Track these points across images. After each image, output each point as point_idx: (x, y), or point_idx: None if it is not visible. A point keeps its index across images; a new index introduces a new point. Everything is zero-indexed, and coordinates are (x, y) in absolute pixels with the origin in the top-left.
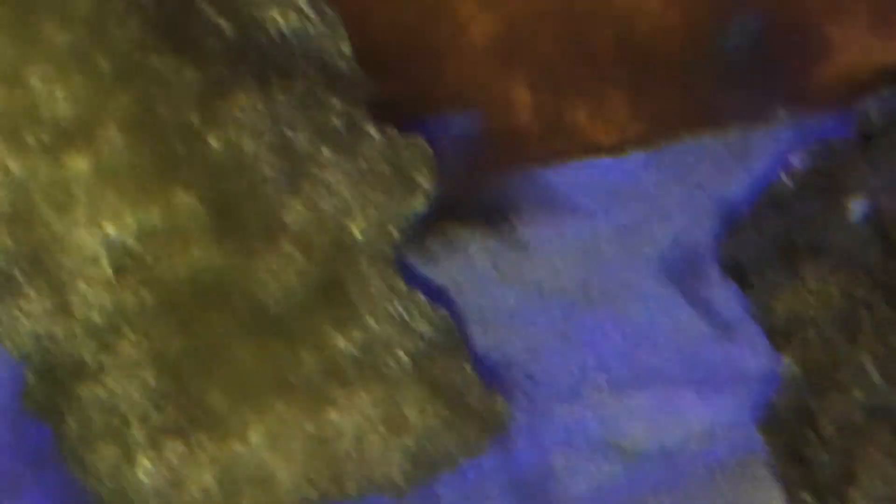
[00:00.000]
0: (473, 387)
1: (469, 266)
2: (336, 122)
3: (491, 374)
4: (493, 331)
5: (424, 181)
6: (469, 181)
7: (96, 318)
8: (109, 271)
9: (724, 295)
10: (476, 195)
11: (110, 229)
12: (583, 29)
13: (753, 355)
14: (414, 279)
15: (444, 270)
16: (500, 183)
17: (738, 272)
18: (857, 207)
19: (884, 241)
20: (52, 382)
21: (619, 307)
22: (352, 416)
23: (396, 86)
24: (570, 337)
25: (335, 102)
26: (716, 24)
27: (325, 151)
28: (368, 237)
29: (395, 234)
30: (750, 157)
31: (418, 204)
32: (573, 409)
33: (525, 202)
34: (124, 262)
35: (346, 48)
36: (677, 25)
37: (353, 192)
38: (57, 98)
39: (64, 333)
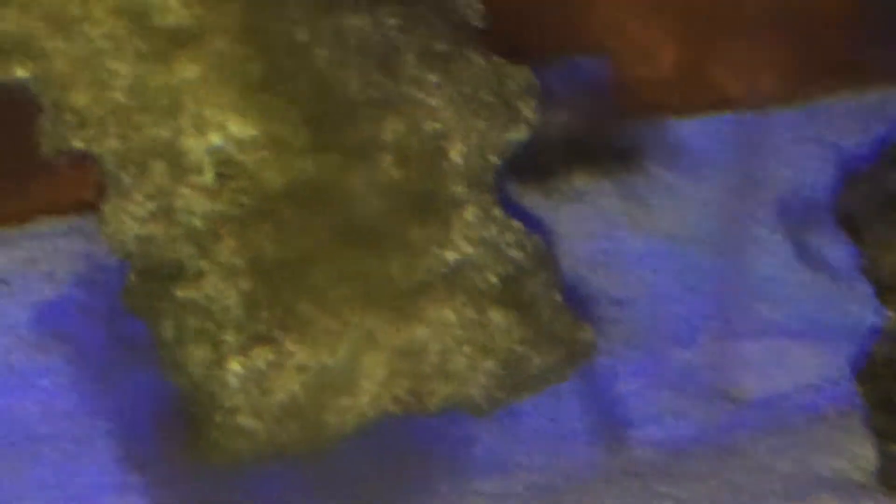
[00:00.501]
0: (562, 315)
1: (598, 211)
2: (443, 47)
3: (583, 306)
4: (617, 274)
5: (528, 111)
6: (603, 127)
7: (197, 223)
8: (212, 178)
9: (838, 249)
10: (609, 141)
11: (215, 137)
12: None
13: (865, 310)
14: (527, 219)
15: (572, 214)
16: (635, 131)
17: (851, 226)
18: None
19: None
20: (152, 283)
21: (744, 259)
22: (438, 334)
23: (539, 28)
24: (693, 285)
25: (444, 28)
26: None
27: (430, 75)
28: (467, 162)
29: (495, 161)
30: (888, 118)
31: (520, 133)
32: (688, 355)
33: (659, 151)
34: (226, 169)
35: None
36: None
37: (454, 117)
38: (169, 6)
39: (165, 237)
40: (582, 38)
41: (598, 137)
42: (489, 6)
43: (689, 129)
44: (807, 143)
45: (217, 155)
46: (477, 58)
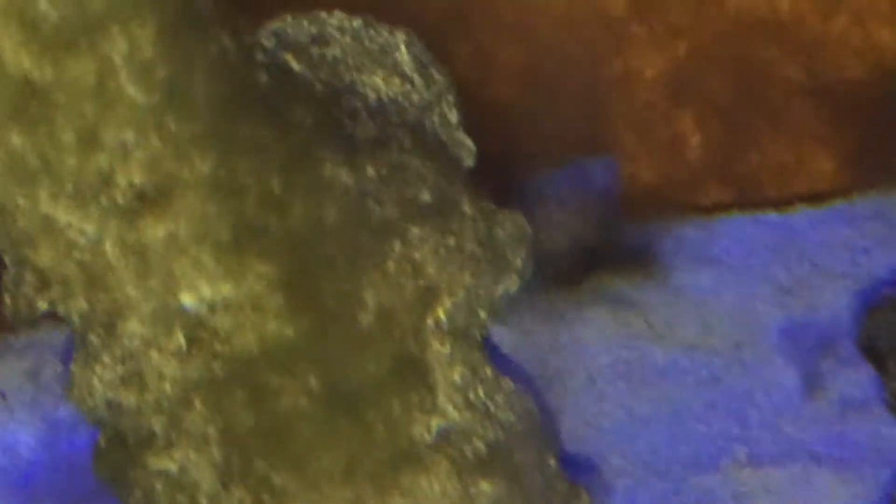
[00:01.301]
0: (555, 482)
1: (617, 319)
2: (427, 196)
3: (581, 465)
4: (639, 388)
5: (518, 261)
6: (616, 231)
7: (167, 388)
8: (182, 342)
9: (860, 376)
10: (626, 246)
11: (185, 299)
12: (758, 71)
13: (891, 431)
14: (505, 361)
15: (590, 323)
16: (659, 232)
17: (875, 355)
18: None
19: None
20: (123, 450)
21: (771, 374)
22: None
23: (556, 127)
24: (717, 403)
25: (429, 175)
26: None
27: (413, 227)
28: (454, 319)
29: (484, 316)
30: None
31: (510, 285)
32: (708, 481)
33: (683, 254)
34: (198, 333)
35: (453, 116)
36: (862, 67)
37: (440, 272)
38: (134, 161)
39: (136, 402)
40: (600, 136)
41: (612, 242)
42: (504, 106)
43: (712, 231)
44: (834, 248)
45: (188, 317)
46: (465, 205)
